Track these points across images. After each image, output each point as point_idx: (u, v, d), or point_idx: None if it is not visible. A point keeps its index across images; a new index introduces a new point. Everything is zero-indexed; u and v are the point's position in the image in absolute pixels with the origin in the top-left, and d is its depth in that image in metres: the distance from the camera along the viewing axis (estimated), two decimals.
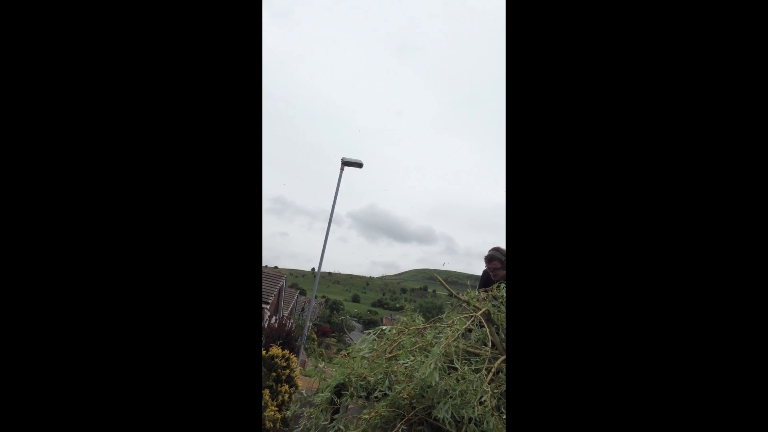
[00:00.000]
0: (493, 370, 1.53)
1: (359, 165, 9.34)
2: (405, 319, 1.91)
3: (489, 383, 1.47)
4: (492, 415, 1.34)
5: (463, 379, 1.43)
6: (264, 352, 5.15)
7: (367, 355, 1.71)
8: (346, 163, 9.29)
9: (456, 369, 1.49)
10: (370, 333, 1.86)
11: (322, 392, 1.66)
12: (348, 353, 1.82)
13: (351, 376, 1.62)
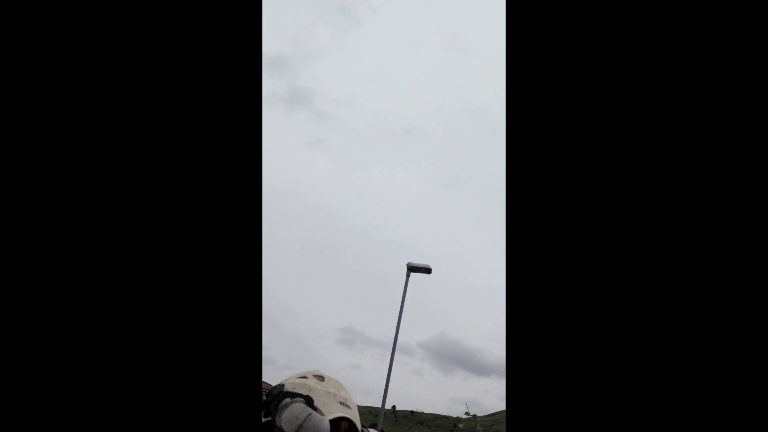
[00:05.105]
0: None
1: (428, 270, 8.81)
2: None
3: None
4: None
5: None
6: None
7: None
8: (412, 268, 8.76)
9: None
10: None
11: None
12: None
13: None
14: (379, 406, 7.92)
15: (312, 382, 1.07)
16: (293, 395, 0.99)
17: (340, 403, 0.99)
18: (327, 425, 0.94)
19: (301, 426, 0.92)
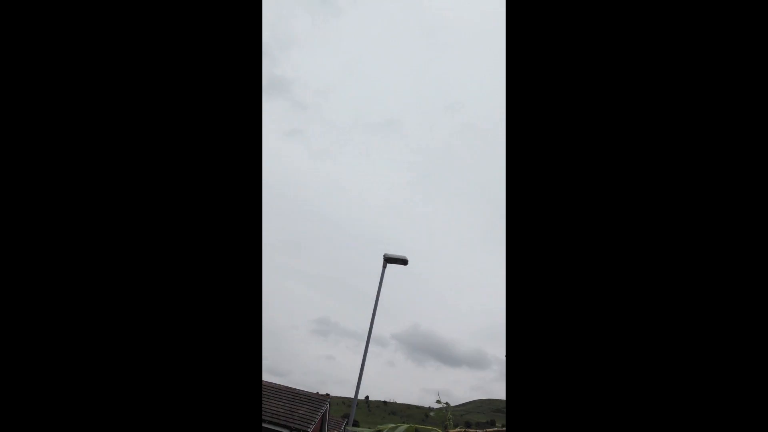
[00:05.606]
0: None
1: (404, 261, 8.76)
2: None
3: None
4: None
5: None
6: None
7: None
8: (388, 259, 8.67)
9: None
10: None
11: None
12: None
13: None
14: (353, 396, 7.93)
15: None
16: None
17: None
18: None
19: None
